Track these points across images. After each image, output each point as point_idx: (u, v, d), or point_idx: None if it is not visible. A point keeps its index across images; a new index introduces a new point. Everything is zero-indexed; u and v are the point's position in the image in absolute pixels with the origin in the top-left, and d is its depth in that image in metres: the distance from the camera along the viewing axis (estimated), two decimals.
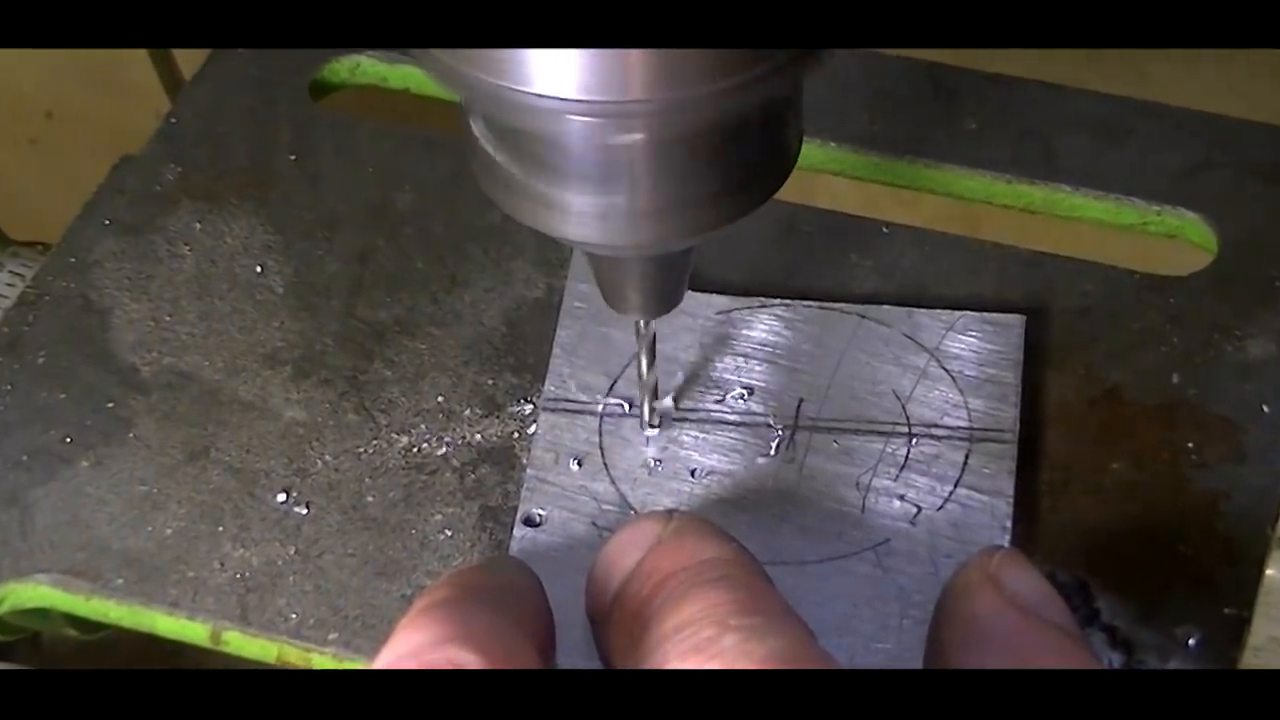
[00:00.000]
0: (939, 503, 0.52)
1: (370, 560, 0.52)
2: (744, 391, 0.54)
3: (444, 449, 0.54)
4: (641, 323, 0.51)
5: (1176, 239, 0.60)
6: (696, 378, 0.55)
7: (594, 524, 0.52)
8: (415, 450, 0.54)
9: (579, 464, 0.53)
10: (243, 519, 0.53)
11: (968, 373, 0.55)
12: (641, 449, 0.53)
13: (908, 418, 0.54)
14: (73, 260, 0.59)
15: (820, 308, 0.56)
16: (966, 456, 0.53)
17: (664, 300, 0.48)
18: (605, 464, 0.53)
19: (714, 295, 0.56)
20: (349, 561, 0.52)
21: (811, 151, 0.62)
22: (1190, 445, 0.54)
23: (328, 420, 0.55)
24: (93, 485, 0.54)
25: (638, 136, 0.40)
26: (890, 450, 0.53)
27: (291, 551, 0.52)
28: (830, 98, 0.62)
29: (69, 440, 0.55)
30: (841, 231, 0.60)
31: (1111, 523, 0.52)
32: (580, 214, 0.42)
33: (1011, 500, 0.52)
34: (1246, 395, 0.55)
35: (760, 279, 0.58)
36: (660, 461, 0.53)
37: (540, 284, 0.58)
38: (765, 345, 0.56)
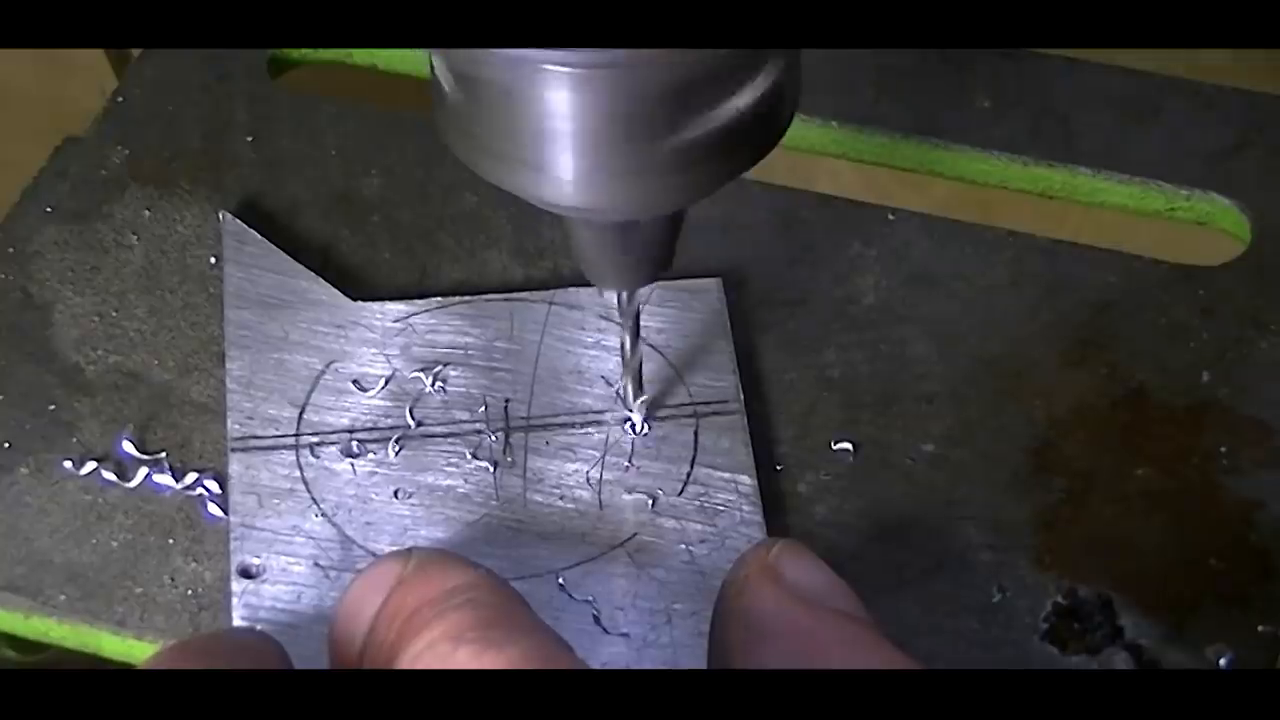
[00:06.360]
0: (679, 486, 0.53)
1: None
2: (444, 401, 0.54)
3: None
4: (624, 297, 0.51)
5: (1207, 226, 0.61)
6: (390, 393, 0.55)
7: (318, 565, 0.51)
8: None
9: (284, 503, 0.52)
10: (195, 530, 0.53)
11: (676, 345, 0.55)
12: (350, 477, 0.53)
13: (625, 402, 0.54)
14: (11, 250, 0.59)
15: (504, 299, 0.57)
16: (696, 433, 0.54)
17: (643, 271, 0.49)
18: (314, 499, 0.52)
19: (387, 303, 0.56)
20: None
21: (811, 132, 0.62)
22: (1222, 450, 0.54)
23: None
24: (33, 494, 0.53)
25: (617, 93, 0.41)
26: (615, 439, 0.53)
27: None
28: (831, 72, 0.62)
29: (7, 445, 0.54)
30: (843, 219, 0.59)
31: (1136, 534, 0.52)
32: (558, 176, 0.43)
33: (754, 471, 0.53)
34: None
35: (755, 270, 0.58)
36: (373, 488, 0.53)
37: (518, 276, 0.58)
38: (456, 348, 0.56)
